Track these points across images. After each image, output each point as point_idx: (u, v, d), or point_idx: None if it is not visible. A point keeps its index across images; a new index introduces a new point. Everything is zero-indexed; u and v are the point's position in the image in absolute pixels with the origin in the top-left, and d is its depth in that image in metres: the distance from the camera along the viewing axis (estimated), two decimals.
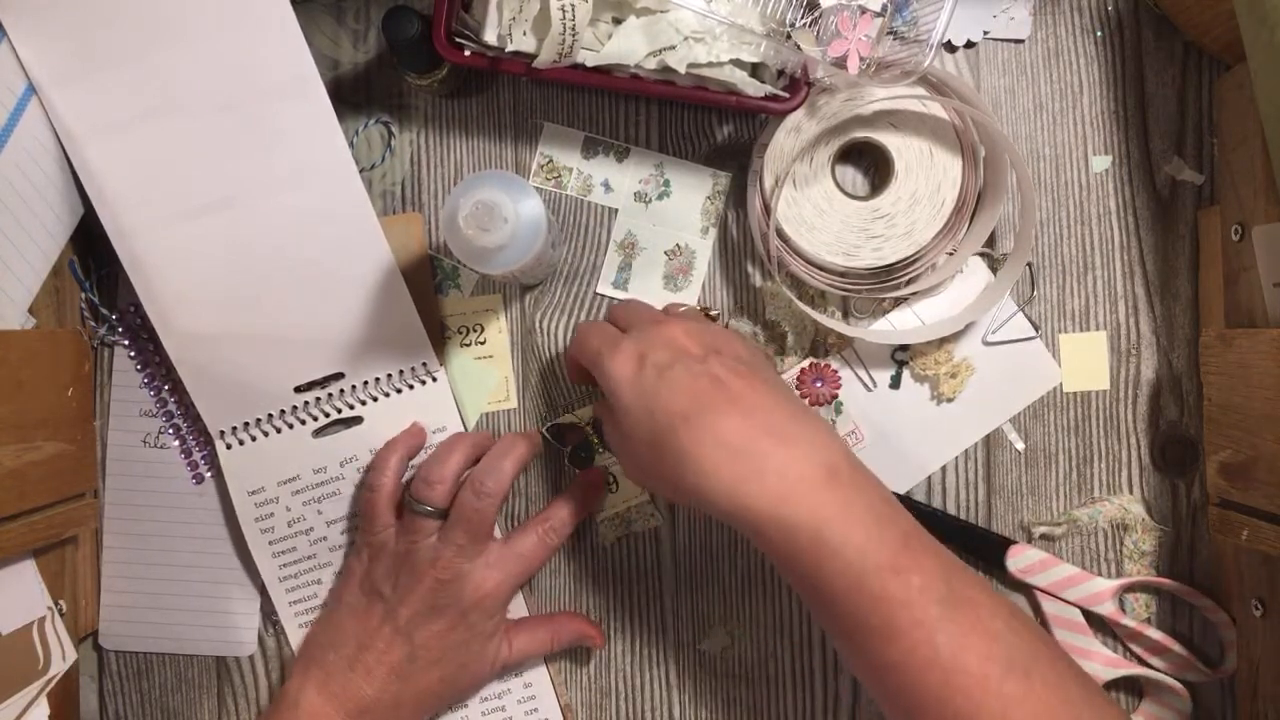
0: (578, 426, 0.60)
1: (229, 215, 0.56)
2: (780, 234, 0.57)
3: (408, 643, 0.54)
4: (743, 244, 0.60)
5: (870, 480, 0.46)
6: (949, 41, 0.59)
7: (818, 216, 0.57)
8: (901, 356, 0.60)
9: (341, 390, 0.59)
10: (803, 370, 0.59)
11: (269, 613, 0.60)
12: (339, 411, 0.59)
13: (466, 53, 0.53)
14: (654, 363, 0.47)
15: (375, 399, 0.59)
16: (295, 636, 0.60)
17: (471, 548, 0.54)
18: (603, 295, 0.60)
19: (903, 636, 0.42)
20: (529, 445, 0.57)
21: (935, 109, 0.56)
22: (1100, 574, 0.59)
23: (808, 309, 0.57)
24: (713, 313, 0.59)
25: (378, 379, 0.59)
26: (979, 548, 0.59)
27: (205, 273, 0.56)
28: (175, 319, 0.57)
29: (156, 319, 0.57)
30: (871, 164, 0.60)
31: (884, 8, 0.52)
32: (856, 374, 0.60)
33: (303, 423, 0.59)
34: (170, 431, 0.60)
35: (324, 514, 0.59)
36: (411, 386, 0.59)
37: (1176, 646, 0.57)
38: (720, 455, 0.44)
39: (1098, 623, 0.59)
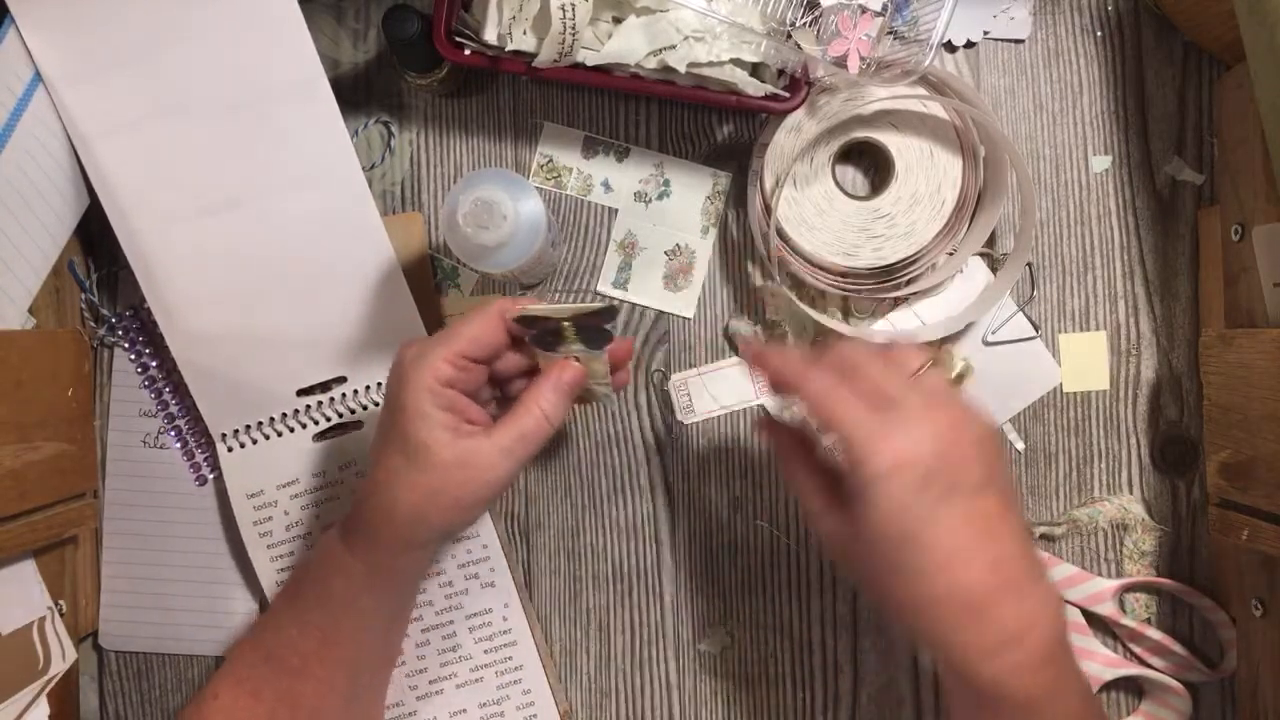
0: (549, 319, 0.47)
1: (235, 215, 0.56)
2: (780, 234, 0.57)
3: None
4: (743, 244, 0.60)
5: (1072, 651, 0.44)
6: (949, 41, 0.59)
7: (818, 216, 0.57)
8: None
9: (344, 394, 0.59)
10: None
11: None
12: (340, 416, 0.59)
13: (466, 52, 0.53)
14: (933, 488, 0.41)
15: (377, 404, 0.59)
16: None
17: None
18: (602, 294, 0.60)
19: None
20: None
21: (935, 109, 0.56)
22: (1100, 574, 0.59)
23: (808, 309, 0.57)
24: (956, 370, 0.52)
25: (379, 384, 0.59)
26: None
27: (211, 272, 0.56)
28: (181, 319, 0.57)
29: (162, 319, 0.57)
30: (872, 164, 0.60)
31: (884, 7, 0.52)
32: None
33: (304, 426, 0.59)
34: (172, 433, 0.60)
35: (322, 519, 0.59)
36: None
37: (1176, 646, 0.57)
38: (965, 616, 0.42)
39: (1098, 623, 0.59)
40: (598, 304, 0.46)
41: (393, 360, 0.48)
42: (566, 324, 0.47)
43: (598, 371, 0.50)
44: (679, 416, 0.60)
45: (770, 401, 0.59)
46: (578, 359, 0.49)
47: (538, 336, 0.48)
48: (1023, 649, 0.41)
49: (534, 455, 0.48)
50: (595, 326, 0.47)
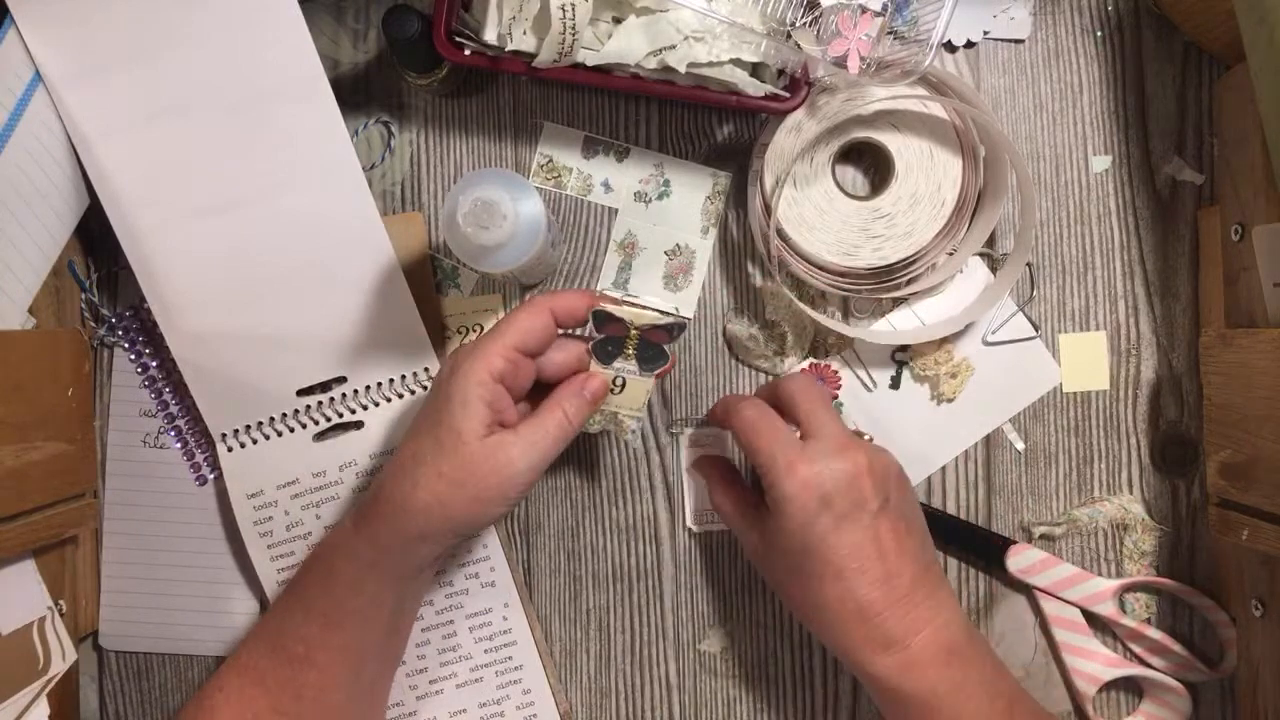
0: (623, 324, 0.51)
1: (236, 216, 0.56)
2: (780, 234, 0.57)
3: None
4: (743, 244, 0.60)
5: (983, 649, 0.50)
6: (949, 41, 0.59)
7: (818, 216, 0.57)
8: (901, 357, 0.60)
9: (344, 394, 0.59)
10: (803, 370, 0.59)
11: None
12: (340, 416, 0.59)
13: (466, 52, 0.53)
14: (835, 509, 0.48)
15: (377, 404, 0.59)
16: None
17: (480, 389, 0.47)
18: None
19: None
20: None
21: (935, 109, 0.56)
22: (1100, 574, 0.59)
23: (808, 309, 0.57)
24: (866, 436, 0.58)
25: (380, 384, 0.59)
26: (979, 548, 0.59)
27: (211, 273, 0.56)
28: (181, 319, 0.57)
29: (162, 319, 0.57)
30: (872, 164, 0.60)
31: (884, 7, 0.52)
32: (856, 374, 0.60)
33: (304, 426, 0.59)
34: (172, 433, 0.60)
35: (322, 519, 0.59)
36: (414, 392, 0.59)
37: (1176, 646, 0.57)
38: (853, 619, 0.48)
39: (1098, 623, 0.59)
40: (670, 316, 0.49)
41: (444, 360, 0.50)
42: (634, 334, 0.50)
43: (638, 397, 0.52)
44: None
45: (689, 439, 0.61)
46: (624, 381, 0.51)
47: (599, 344, 0.51)
48: (907, 650, 0.47)
49: (554, 456, 0.49)
50: (657, 345, 0.50)
